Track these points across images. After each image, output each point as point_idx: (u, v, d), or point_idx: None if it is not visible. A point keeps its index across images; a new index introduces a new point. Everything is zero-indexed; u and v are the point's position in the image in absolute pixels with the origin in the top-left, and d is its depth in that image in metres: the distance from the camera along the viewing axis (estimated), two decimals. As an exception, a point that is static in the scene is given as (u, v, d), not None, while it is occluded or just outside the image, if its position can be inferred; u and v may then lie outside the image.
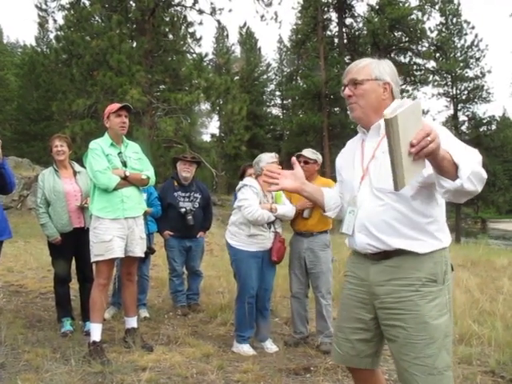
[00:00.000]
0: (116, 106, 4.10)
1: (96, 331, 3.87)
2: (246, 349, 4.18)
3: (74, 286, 4.91)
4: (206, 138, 39.96)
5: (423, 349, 1.90)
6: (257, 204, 4.13)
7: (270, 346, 4.32)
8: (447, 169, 1.68)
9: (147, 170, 4.17)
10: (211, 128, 41.46)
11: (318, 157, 4.46)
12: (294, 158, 2.47)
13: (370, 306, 2.06)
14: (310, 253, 4.34)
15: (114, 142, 4.11)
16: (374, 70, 2.08)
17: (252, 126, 33.98)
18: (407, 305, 1.93)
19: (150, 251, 5.05)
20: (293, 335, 4.49)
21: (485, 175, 1.74)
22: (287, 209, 4.28)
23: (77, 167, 4.75)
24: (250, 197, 4.15)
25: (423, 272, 1.94)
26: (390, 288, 1.98)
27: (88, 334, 4.06)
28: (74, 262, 4.75)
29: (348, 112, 2.17)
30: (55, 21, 18.77)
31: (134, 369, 3.57)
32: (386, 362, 3.60)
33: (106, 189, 3.91)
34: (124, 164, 4.06)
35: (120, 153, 4.10)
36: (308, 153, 4.41)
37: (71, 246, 4.57)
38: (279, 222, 4.32)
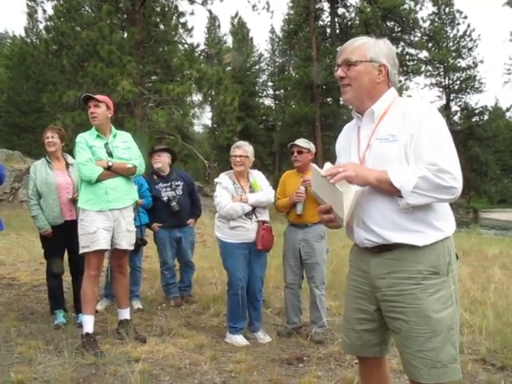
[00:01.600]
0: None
1: (88, 323, 3.87)
2: (238, 339, 4.20)
3: (67, 278, 4.90)
4: (199, 129, 39.80)
5: (426, 342, 1.86)
6: (226, 199, 4.17)
7: (263, 337, 4.33)
8: (391, 191, 1.84)
9: (135, 159, 4.12)
10: (203, 119, 41.29)
11: (311, 146, 4.44)
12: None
13: (372, 297, 2.03)
14: (305, 244, 4.32)
15: (101, 133, 4.07)
16: (370, 50, 1.97)
17: (244, 117, 33.82)
18: (408, 298, 1.89)
19: (141, 243, 5.04)
20: (286, 325, 4.47)
21: (441, 182, 1.76)
22: (259, 196, 4.23)
23: (70, 159, 4.71)
24: (219, 193, 4.24)
25: (424, 264, 1.88)
26: (390, 281, 1.94)
27: (81, 326, 4.05)
28: (66, 254, 4.74)
29: (341, 98, 2.12)
30: (44, 11, 18.59)
31: (127, 360, 3.59)
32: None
33: (89, 180, 3.89)
34: (110, 155, 4.02)
35: (106, 143, 4.06)
36: (301, 142, 4.38)
37: (63, 238, 4.55)
38: (262, 211, 4.29)
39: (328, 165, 2.06)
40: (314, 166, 2.07)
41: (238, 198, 4.18)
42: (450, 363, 1.88)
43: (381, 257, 1.97)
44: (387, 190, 1.85)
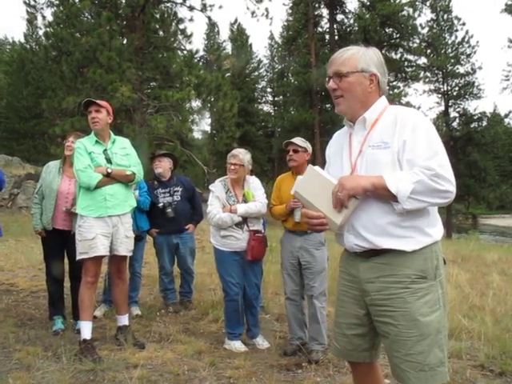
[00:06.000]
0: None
1: (86, 329, 3.87)
2: (237, 345, 4.20)
3: (66, 284, 4.89)
4: (198, 135, 39.82)
5: (414, 346, 1.89)
6: (216, 208, 4.19)
7: (262, 343, 4.33)
8: (387, 196, 1.86)
9: (133, 166, 4.12)
10: (202, 125, 41.29)
11: (308, 146, 4.17)
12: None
13: (362, 302, 2.06)
14: (305, 252, 4.04)
15: (100, 139, 4.07)
16: (360, 60, 2.00)
17: (243, 123, 33.88)
18: (397, 302, 1.92)
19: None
20: (291, 342, 4.15)
21: (437, 186, 1.80)
22: (249, 207, 4.19)
23: None
24: (210, 202, 4.26)
25: (412, 269, 1.92)
26: (379, 285, 1.97)
27: (79, 332, 4.03)
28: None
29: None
30: (44, 17, 18.61)
31: (125, 366, 3.58)
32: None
33: (88, 187, 3.89)
34: (109, 161, 4.02)
35: (105, 150, 4.06)
36: (297, 140, 4.13)
37: (62, 244, 4.55)
38: (254, 220, 4.27)
39: (316, 167, 2.09)
40: (313, 167, 2.09)
41: (228, 209, 4.18)
42: (438, 366, 1.90)
43: (370, 261, 2.00)
44: (383, 195, 1.88)
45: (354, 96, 2.01)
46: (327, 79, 2.07)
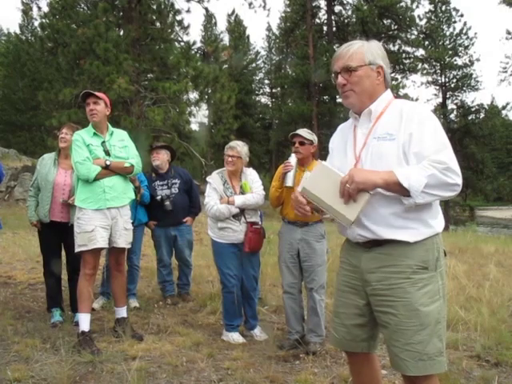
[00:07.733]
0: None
1: (84, 321, 3.88)
2: (235, 337, 4.22)
3: (64, 276, 4.90)
4: (195, 127, 39.67)
5: (413, 335, 1.91)
6: (214, 200, 4.20)
7: (260, 334, 4.35)
8: (399, 191, 1.85)
9: (132, 158, 4.11)
10: (200, 117, 41.08)
11: (314, 138, 4.08)
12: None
13: (362, 292, 2.08)
14: (305, 244, 3.97)
15: (98, 131, 4.06)
16: (367, 54, 2.02)
17: (241, 115, 33.80)
18: (398, 292, 1.94)
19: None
20: (288, 337, 4.09)
21: (448, 179, 1.82)
22: (246, 198, 4.20)
23: None
24: (207, 194, 4.27)
25: (414, 259, 1.94)
26: (380, 275, 1.98)
27: (78, 324, 4.04)
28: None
29: (339, 99, 2.12)
30: (39, 8, 18.43)
31: (124, 358, 3.60)
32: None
33: (87, 179, 3.88)
34: (107, 153, 4.01)
35: (103, 142, 4.05)
36: (304, 132, 4.02)
37: (58, 236, 4.55)
38: (252, 212, 4.28)
39: (326, 163, 2.08)
40: (323, 163, 2.08)
41: (225, 200, 4.18)
42: (437, 356, 1.93)
43: (372, 251, 2.02)
44: (394, 190, 1.88)
45: (363, 89, 2.03)
46: (334, 75, 2.08)
